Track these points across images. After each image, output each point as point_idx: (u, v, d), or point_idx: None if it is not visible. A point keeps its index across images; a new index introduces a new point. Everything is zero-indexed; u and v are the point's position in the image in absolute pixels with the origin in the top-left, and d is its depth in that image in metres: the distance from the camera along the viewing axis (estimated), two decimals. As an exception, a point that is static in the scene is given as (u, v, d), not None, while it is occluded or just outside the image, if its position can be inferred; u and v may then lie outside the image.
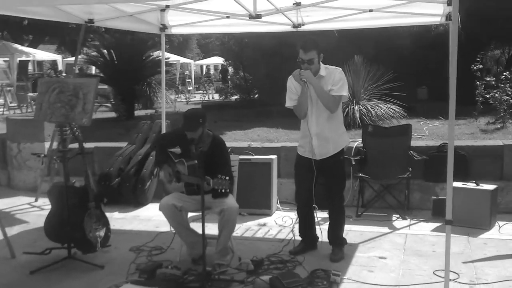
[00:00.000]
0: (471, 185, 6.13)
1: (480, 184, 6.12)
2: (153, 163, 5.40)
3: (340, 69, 4.97)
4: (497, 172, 6.83)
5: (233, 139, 9.16)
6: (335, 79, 4.87)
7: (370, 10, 6.35)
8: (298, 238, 5.54)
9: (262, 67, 15.47)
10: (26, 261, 5.10)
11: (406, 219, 6.37)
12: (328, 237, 5.17)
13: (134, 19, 6.80)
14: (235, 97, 18.65)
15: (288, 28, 7.08)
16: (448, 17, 6.26)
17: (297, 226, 5.97)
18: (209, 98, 24.06)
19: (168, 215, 4.75)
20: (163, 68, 7.75)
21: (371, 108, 10.25)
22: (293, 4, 5.86)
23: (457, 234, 5.71)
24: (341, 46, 12.03)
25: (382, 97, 10.57)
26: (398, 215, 6.47)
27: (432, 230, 5.95)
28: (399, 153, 6.78)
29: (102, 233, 4.93)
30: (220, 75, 26.60)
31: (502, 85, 9.73)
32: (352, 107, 10.25)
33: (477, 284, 4.40)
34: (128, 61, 14.17)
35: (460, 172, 6.62)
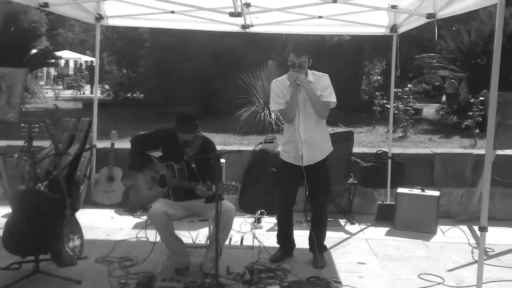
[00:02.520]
0: (417, 191, 6.47)
1: (425, 191, 6.47)
2: (128, 167, 4.92)
3: (327, 75, 4.95)
4: (428, 179, 7.29)
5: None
6: (324, 84, 4.84)
7: (320, 17, 6.46)
8: (268, 245, 5.46)
9: (154, 66, 14.98)
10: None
11: (354, 224, 6.53)
12: (310, 244, 5.11)
13: (75, 6, 6.20)
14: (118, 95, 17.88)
15: (237, 29, 6.92)
16: (393, 29, 6.60)
17: (257, 231, 5.89)
18: (81, 94, 22.78)
19: (159, 223, 4.36)
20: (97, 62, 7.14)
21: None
22: (244, 4, 5.78)
23: (408, 238, 6.02)
24: (257, 48, 12.08)
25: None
26: (345, 220, 6.61)
27: (386, 235, 6.16)
28: (342, 159, 6.93)
29: (77, 243, 4.38)
30: (87, 72, 25.17)
31: (406, 96, 10.46)
32: (265, 112, 10.34)
33: (464, 287, 4.62)
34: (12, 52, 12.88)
35: (397, 178, 7.03)
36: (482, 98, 9.33)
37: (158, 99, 14.22)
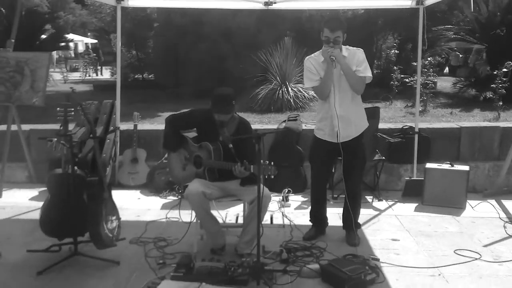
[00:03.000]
0: (446, 166, 6.40)
1: (454, 165, 6.40)
2: (162, 146, 4.88)
3: (361, 49, 4.86)
4: (454, 153, 7.22)
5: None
6: (359, 59, 4.75)
7: (345, -11, 6.32)
8: (298, 223, 5.44)
9: (164, 46, 14.81)
10: (17, 261, 4.39)
11: (382, 200, 6.49)
12: (344, 221, 5.08)
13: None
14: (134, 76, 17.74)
15: (259, 6, 6.81)
16: (419, 1, 6.47)
17: (286, 210, 5.86)
18: (88, 76, 22.72)
19: (197, 203, 4.32)
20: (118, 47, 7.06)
21: (302, 90, 10.28)
22: None
23: (438, 213, 5.98)
24: (271, 25, 11.93)
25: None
26: (371, 197, 6.57)
27: (415, 211, 6.12)
28: (369, 136, 6.85)
29: (115, 224, 4.36)
30: (95, 55, 25.01)
31: (426, 69, 10.31)
32: (282, 89, 10.23)
33: (500, 261, 4.58)
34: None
35: (424, 154, 6.95)
36: (505, 70, 9.18)
37: (169, 80, 14.10)
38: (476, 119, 9.13)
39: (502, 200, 6.54)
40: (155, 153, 7.19)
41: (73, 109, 4.29)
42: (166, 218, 5.67)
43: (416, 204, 6.34)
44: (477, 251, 4.81)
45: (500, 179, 6.85)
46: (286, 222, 5.55)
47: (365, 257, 4.52)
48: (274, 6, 6.82)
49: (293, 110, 9.76)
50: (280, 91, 9.95)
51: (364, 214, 5.83)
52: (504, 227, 5.54)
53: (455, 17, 12.86)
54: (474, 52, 17.19)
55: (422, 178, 6.51)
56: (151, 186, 6.77)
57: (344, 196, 5.03)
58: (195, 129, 4.72)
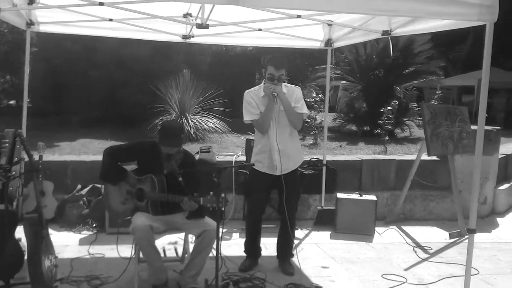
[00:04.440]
0: (355, 196, 6.82)
1: (363, 195, 6.84)
2: (100, 178, 4.64)
3: (299, 87, 5.11)
4: (356, 184, 7.72)
5: (79, 152, 8.34)
6: (297, 97, 4.98)
7: (259, 29, 6.60)
8: (227, 254, 5.48)
9: (46, 72, 14.10)
10: None
11: (297, 229, 6.71)
12: (280, 251, 5.21)
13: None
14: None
15: (177, 39, 6.84)
16: (328, 43, 6.94)
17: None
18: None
19: (143, 237, 4.18)
20: None
21: (202, 122, 10.38)
22: (184, 14, 5.81)
23: (352, 240, 6.35)
24: (165, 56, 11.88)
25: (206, 112, 10.81)
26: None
27: (332, 238, 6.42)
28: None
29: (53, 264, 4.08)
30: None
31: (317, 105, 10.93)
32: (183, 121, 10.24)
33: (425, 284, 4.98)
34: None
35: (331, 184, 7.36)
36: (390, 108, 10.04)
37: (49, 107, 13.41)
38: (365, 152, 9.83)
39: (402, 226, 7.10)
40: (62, 185, 6.80)
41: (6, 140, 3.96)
42: (90, 254, 5.38)
43: (330, 232, 6.65)
44: (401, 275, 5.18)
45: (397, 208, 7.43)
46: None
47: (307, 286, 4.66)
48: (192, 40, 6.87)
49: (193, 142, 9.80)
50: (180, 122, 9.92)
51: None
52: (414, 251, 6.03)
53: (335, 58, 13.79)
54: (342, 88, 18.53)
55: (333, 208, 6.86)
56: (61, 221, 6.38)
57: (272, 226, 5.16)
58: (135, 161, 4.59)
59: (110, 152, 4.52)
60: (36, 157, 6.66)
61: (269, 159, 4.92)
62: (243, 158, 7.49)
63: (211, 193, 4.04)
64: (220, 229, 4.23)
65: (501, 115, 21.84)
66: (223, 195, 4.02)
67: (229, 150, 9.11)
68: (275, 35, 6.79)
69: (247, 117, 4.99)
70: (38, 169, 4.47)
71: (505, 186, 8.58)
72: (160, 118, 10.19)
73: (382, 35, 5.59)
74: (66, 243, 5.73)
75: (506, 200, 8.52)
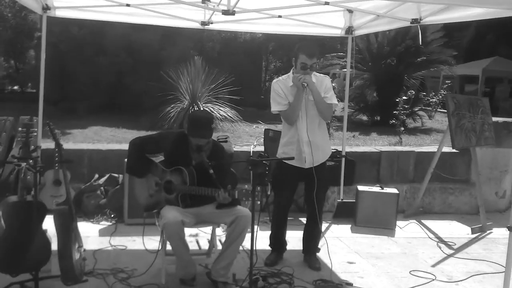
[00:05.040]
0: (376, 188, 6.70)
1: (384, 188, 6.73)
2: (127, 171, 4.51)
3: (328, 76, 4.96)
4: (375, 176, 7.60)
5: (92, 140, 8.21)
6: (327, 86, 4.84)
7: (279, 16, 6.43)
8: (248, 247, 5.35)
9: (52, 58, 13.90)
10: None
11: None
12: (306, 245, 5.11)
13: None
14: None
15: (196, 25, 6.69)
16: (348, 31, 6.79)
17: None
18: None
19: (175, 232, 4.06)
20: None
21: (214, 110, 10.23)
22: (202, 0, 5.64)
23: (373, 234, 6.24)
24: (175, 43, 11.71)
25: (217, 100, 10.65)
26: (305, 219, 6.65)
27: (353, 232, 6.32)
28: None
29: (82, 256, 3.97)
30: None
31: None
32: (194, 109, 10.08)
33: (455, 281, 4.88)
34: None
35: (349, 176, 7.24)
36: (405, 98, 9.90)
37: (54, 94, 13.22)
38: (380, 143, 9.71)
39: (422, 220, 6.99)
40: (79, 174, 6.68)
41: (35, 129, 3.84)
42: (112, 246, 5.27)
43: (350, 225, 6.54)
44: (428, 271, 5.07)
45: (417, 201, 7.31)
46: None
47: (338, 283, 4.56)
48: (211, 26, 6.73)
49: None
50: (210, 113, 9.76)
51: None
52: (439, 246, 5.92)
53: (345, 46, 13.57)
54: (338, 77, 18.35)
55: (354, 200, 6.75)
56: (79, 211, 6.24)
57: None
58: (162, 153, 4.46)
59: (137, 143, 4.38)
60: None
61: (297, 151, 4.79)
62: (261, 148, 7.36)
63: (246, 186, 3.92)
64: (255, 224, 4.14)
65: (505, 104, 21.72)
66: (247, 187, 3.91)
67: (242, 139, 8.99)
68: (295, 22, 6.62)
69: (274, 108, 4.85)
70: (69, 160, 4.31)
71: (524, 179, 8.46)
72: (172, 106, 10.05)
73: (411, 23, 5.43)
74: (87, 234, 5.60)
75: (523, 193, 8.41)
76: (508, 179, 7.91)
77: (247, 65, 14.12)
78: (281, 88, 4.81)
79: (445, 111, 14.63)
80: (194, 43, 12.51)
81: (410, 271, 5.05)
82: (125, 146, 7.14)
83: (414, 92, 10.48)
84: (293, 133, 4.83)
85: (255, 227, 3.77)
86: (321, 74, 4.92)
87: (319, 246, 5.21)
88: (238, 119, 10.38)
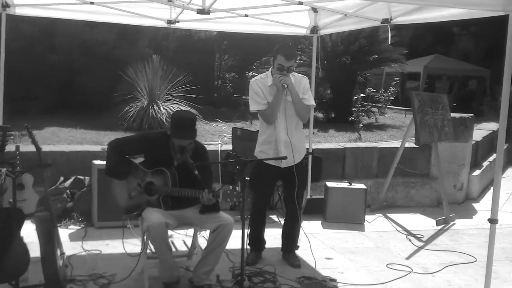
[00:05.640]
0: (344, 184, 6.80)
1: (352, 184, 6.83)
2: (106, 174, 4.36)
3: (306, 77, 4.98)
4: (339, 172, 7.72)
5: (51, 141, 7.93)
6: (305, 87, 4.86)
7: (246, 15, 6.44)
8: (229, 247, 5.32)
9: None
10: None
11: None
12: (285, 243, 5.12)
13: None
14: None
15: (163, 24, 6.60)
16: (313, 30, 6.86)
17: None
18: None
19: (158, 235, 3.98)
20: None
21: (173, 109, 10.08)
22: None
23: (344, 229, 6.33)
24: (130, 41, 11.47)
25: (176, 99, 10.53)
26: (275, 216, 6.70)
27: (324, 228, 6.39)
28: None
29: (65, 263, 3.84)
30: None
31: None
32: (154, 108, 9.93)
33: (431, 273, 5.01)
34: None
35: (316, 173, 7.31)
36: (363, 95, 10.10)
37: (5, 94, 12.70)
38: (339, 140, 9.85)
39: (387, 214, 7.16)
40: (42, 178, 6.42)
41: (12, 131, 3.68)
42: (85, 250, 5.12)
43: (320, 221, 6.61)
44: (404, 264, 5.20)
45: (382, 195, 7.48)
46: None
47: (321, 279, 4.59)
48: (177, 25, 6.64)
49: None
50: (152, 110, 9.61)
51: (280, 234, 5.91)
52: (409, 239, 6.08)
53: (300, 44, 13.68)
54: None
55: (322, 197, 6.83)
56: (44, 215, 6.03)
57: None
58: (142, 154, 4.37)
59: (116, 145, 4.26)
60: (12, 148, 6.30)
61: (274, 150, 4.80)
62: (228, 147, 7.34)
63: (231, 187, 3.88)
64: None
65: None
66: (234, 187, 3.88)
67: (206, 138, 8.92)
68: (261, 21, 6.63)
69: (253, 107, 4.84)
70: (49, 164, 4.14)
71: (477, 172, 8.80)
72: (130, 105, 9.85)
73: (381, 23, 5.52)
74: (55, 240, 5.41)
75: (478, 186, 8.75)
76: (464, 172, 8.20)
77: (202, 63, 14.01)
78: (259, 88, 4.80)
79: (394, 107, 15.04)
80: (149, 41, 12.29)
81: (387, 264, 5.16)
82: (88, 148, 7.06)
83: (372, 90, 10.69)
84: (271, 132, 4.83)
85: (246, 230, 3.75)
86: (299, 75, 4.95)
87: (298, 244, 5.23)
88: (198, 118, 10.26)
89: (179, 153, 4.13)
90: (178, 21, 6.57)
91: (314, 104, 4.89)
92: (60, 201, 6.06)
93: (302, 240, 5.73)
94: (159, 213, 4.08)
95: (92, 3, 5.78)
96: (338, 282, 4.61)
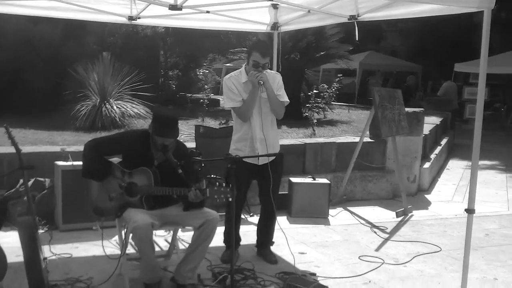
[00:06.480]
0: (308, 180, 6.90)
1: (316, 179, 6.94)
2: (83, 175, 4.20)
3: (279, 74, 5.01)
4: (300, 167, 7.81)
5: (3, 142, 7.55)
6: (279, 84, 4.89)
7: (207, 12, 6.41)
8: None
9: None
10: None
11: (253, 215, 6.66)
12: (261, 239, 5.15)
13: None
14: None
15: (123, 20, 6.47)
16: (274, 27, 6.93)
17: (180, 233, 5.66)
18: None
19: (145, 235, 3.90)
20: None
21: (127, 108, 9.88)
22: None
23: (311, 224, 6.43)
24: (77, 37, 11.10)
25: (127, 97, 10.30)
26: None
27: (291, 223, 6.46)
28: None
29: (46, 269, 3.70)
30: None
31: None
32: (106, 106, 9.68)
33: (402, 263, 5.17)
34: None
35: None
36: (316, 91, 10.25)
37: None
38: (294, 135, 9.95)
39: (348, 207, 7.32)
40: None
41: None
42: (55, 254, 4.95)
43: (285, 217, 6.68)
44: (375, 255, 5.34)
45: (341, 189, 7.63)
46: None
47: (301, 274, 4.65)
48: (138, 21, 6.53)
49: (119, 128, 9.30)
50: (104, 108, 9.37)
51: (250, 230, 5.93)
52: (374, 231, 6.25)
53: (248, 41, 13.69)
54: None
55: (286, 192, 6.89)
56: (4, 220, 5.78)
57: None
58: (120, 154, 4.27)
59: (95, 145, 4.14)
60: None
61: (250, 147, 4.81)
62: (191, 144, 7.25)
63: (217, 183, 3.86)
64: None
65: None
66: (221, 183, 3.88)
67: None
68: (222, 17, 6.61)
69: (228, 104, 4.82)
70: (31, 166, 3.96)
71: (427, 164, 9.14)
72: (81, 104, 9.54)
73: (348, 19, 5.60)
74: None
75: (428, 177, 9.09)
76: (416, 165, 8.49)
77: (147, 60, 13.77)
78: (234, 85, 4.79)
79: (335, 103, 15.32)
80: (96, 38, 11.95)
81: (359, 256, 5.28)
82: (46, 148, 6.80)
83: (326, 86, 10.86)
84: (246, 130, 4.83)
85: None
86: (273, 71, 4.98)
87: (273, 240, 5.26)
88: (150, 116, 10.09)
89: (162, 151, 4.06)
90: (139, 17, 6.45)
91: (288, 100, 4.92)
92: (21, 204, 5.80)
93: (276, 236, 5.80)
94: (144, 213, 4.01)
95: (52, -2, 5.59)
96: (318, 276, 4.67)
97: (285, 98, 4.89)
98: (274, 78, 4.86)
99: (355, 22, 5.59)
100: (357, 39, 5.53)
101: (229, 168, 3.93)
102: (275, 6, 6.44)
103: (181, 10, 4.99)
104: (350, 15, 5.55)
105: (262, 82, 4.63)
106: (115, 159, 4.27)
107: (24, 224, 3.51)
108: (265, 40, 5.06)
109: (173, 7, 4.91)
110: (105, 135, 4.34)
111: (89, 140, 4.20)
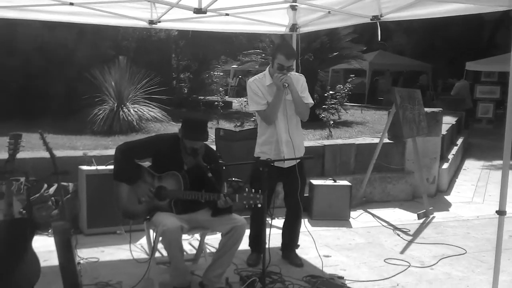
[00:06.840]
0: (329, 182, 6.88)
1: (337, 181, 6.92)
2: (115, 178, 4.21)
3: (303, 76, 5.00)
4: (319, 169, 7.80)
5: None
6: (303, 85, 4.88)
7: (227, 14, 6.42)
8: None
9: None
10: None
11: (274, 218, 6.62)
12: (287, 242, 5.14)
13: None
14: None
15: (144, 24, 6.48)
16: (293, 28, 6.91)
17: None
18: None
19: (174, 239, 3.91)
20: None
21: (144, 111, 9.91)
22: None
23: (333, 227, 6.41)
24: (91, 42, 11.15)
25: (143, 100, 10.35)
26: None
27: (313, 226, 6.43)
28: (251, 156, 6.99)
29: (80, 274, 3.71)
30: None
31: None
32: (123, 110, 9.72)
33: (429, 266, 5.14)
34: None
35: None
36: (332, 92, 10.23)
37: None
38: (310, 137, 9.94)
39: (368, 210, 7.29)
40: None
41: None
42: (82, 259, 4.96)
43: (306, 219, 6.62)
44: (401, 258, 5.30)
45: (361, 191, 7.61)
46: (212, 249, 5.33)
47: (328, 277, 4.63)
48: (159, 25, 6.55)
49: (136, 132, 9.35)
50: (121, 112, 9.40)
51: (273, 234, 5.89)
52: (397, 234, 6.21)
53: (261, 43, 13.72)
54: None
55: (307, 194, 6.87)
56: (35, 228, 5.79)
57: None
58: (150, 158, 4.29)
59: (126, 149, 4.16)
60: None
61: (275, 150, 4.80)
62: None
63: (246, 189, 3.86)
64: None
65: (389, 96, 22.97)
66: (252, 190, 3.87)
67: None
68: (241, 20, 6.60)
69: (252, 107, 4.82)
70: (66, 172, 3.98)
71: (446, 165, 9.09)
72: (98, 108, 9.60)
73: (371, 20, 5.56)
74: (48, 248, 5.16)
75: (447, 178, 9.05)
76: (436, 166, 8.45)
77: (161, 63, 13.82)
78: (258, 88, 4.78)
79: (347, 103, 15.29)
80: (111, 42, 12.01)
81: (385, 259, 5.25)
82: (69, 153, 6.83)
83: (342, 87, 10.86)
84: (272, 132, 4.82)
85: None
86: (297, 73, 4.96)
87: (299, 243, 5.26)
88: (166, 119, 10.14)
89: (191, 155, 4.07)
90: (159, 21, 6.47)
91: (313, 102, 4.91)
92: (45, 209, 5.83)
93: (300, 239, 5.78)
94: (173, 217, 4.01)
95: (71, 4, 5.61)
96: (346, 279, 4.65)
97: (310, 100, 4.89)
98: (298, 80, 4.86)
99: (378, 23, 5.55)
100: (379, 39, 5.50)
101: (260, 172, 3.93)
102: (293, 8, 6.41)
103: (205, 13, 4.98)
104: (372, 16, 5.51)
105: (287, 85, 4.62)
106: (145, 163, 4.28)
107: (59, 230, 3.52)
108: (289, 43, 5.03)
109: (198, 11, 4.92)
110: (137, 139, 4.32)
111: (120, 144, 4.22)
